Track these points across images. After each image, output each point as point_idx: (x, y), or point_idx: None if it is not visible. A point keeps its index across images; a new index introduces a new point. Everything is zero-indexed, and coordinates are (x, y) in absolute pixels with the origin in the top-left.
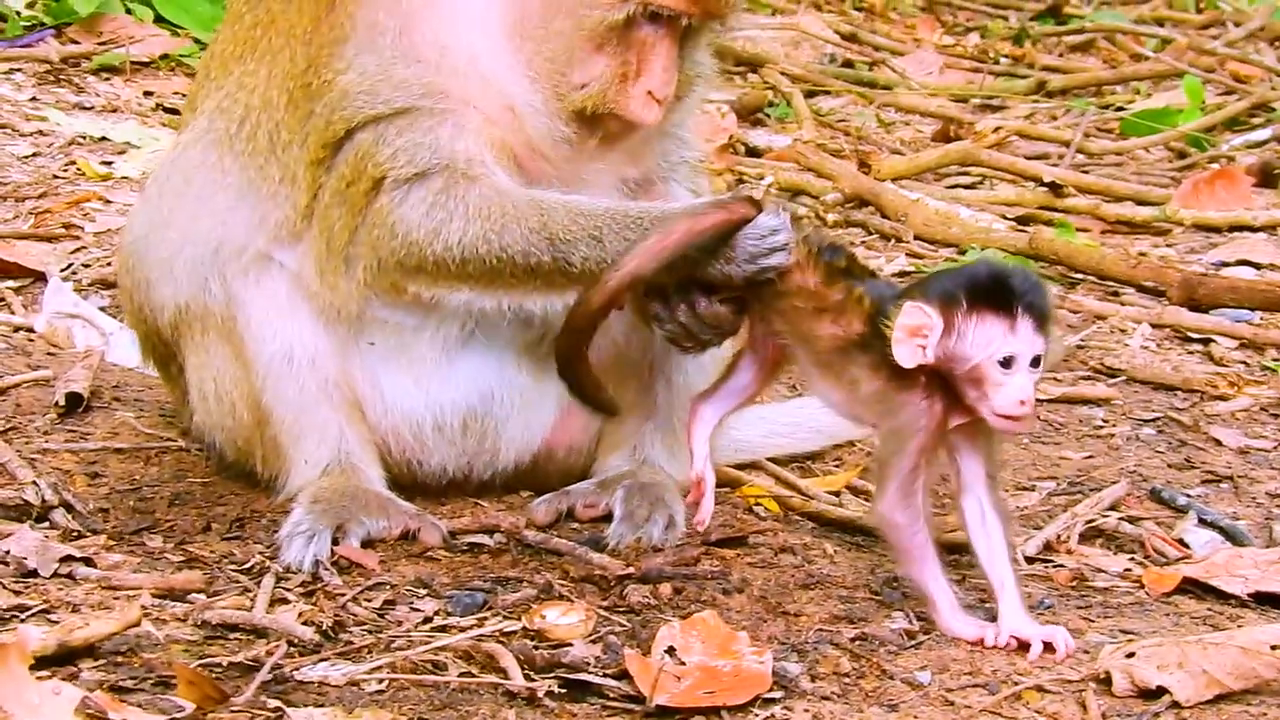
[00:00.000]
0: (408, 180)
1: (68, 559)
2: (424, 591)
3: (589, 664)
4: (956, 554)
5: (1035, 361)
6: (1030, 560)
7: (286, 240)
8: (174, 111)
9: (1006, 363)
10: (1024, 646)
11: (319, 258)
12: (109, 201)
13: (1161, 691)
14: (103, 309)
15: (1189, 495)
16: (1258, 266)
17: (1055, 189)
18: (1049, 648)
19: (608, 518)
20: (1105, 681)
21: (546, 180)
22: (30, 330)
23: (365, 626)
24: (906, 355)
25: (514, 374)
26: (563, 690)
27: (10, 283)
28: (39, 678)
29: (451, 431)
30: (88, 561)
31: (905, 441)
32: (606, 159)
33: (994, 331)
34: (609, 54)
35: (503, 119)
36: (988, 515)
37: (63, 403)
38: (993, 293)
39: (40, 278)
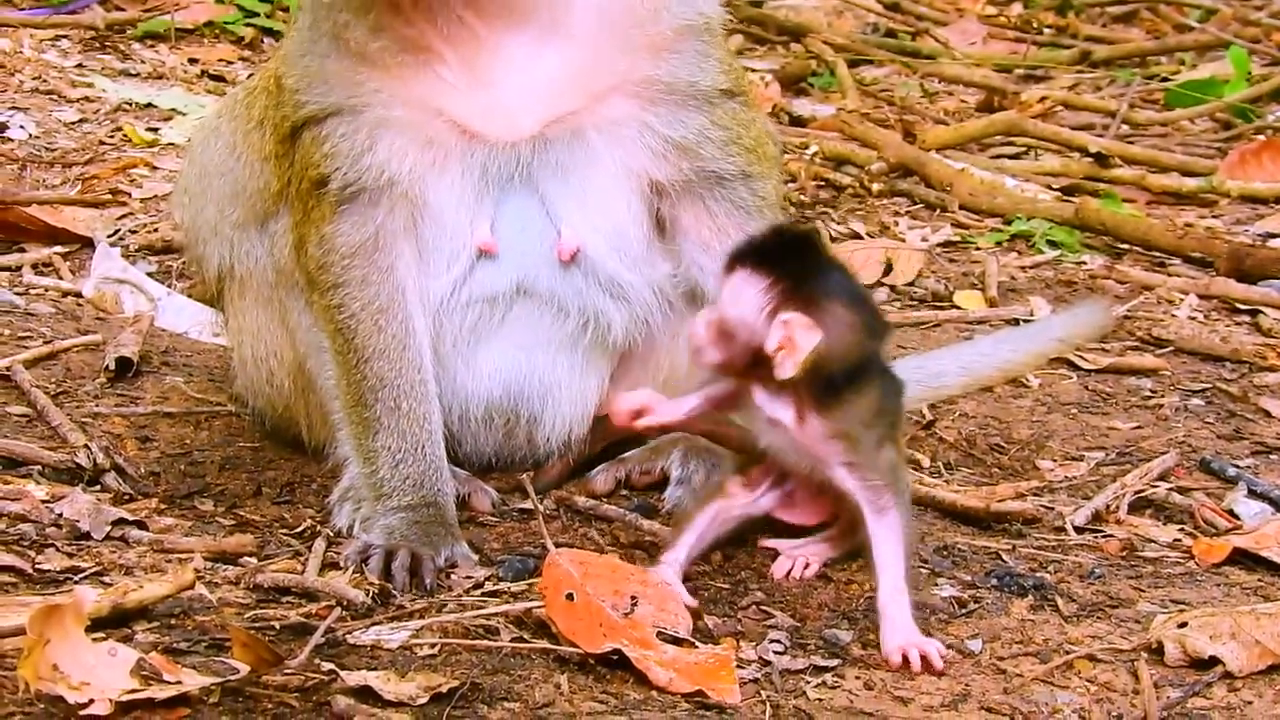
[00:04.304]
0: (342, 200)
1: (120, 522)
2: (475, 556)
3: None
4: (1005, 523)
5: None
6: (1079, 530)
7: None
8: (218, 79)
9: None
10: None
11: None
12: (155, 168)
13: (1214, 661)
14: (150, 274)
15: (1238, 466)
16: None
17: (1101, 159)
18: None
19: (661, 484)
20: (1158, 651)
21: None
22: (79, 295)
23: (416, 591)
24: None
25: (547, 369)
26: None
27: (58, 248)
28: (94, 639)
29: (477, 424)
30: (140, 525)
31: None
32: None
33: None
34: None
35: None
36: (878, 523)
37: (113, 367)
38: None
39: (88, 243)
